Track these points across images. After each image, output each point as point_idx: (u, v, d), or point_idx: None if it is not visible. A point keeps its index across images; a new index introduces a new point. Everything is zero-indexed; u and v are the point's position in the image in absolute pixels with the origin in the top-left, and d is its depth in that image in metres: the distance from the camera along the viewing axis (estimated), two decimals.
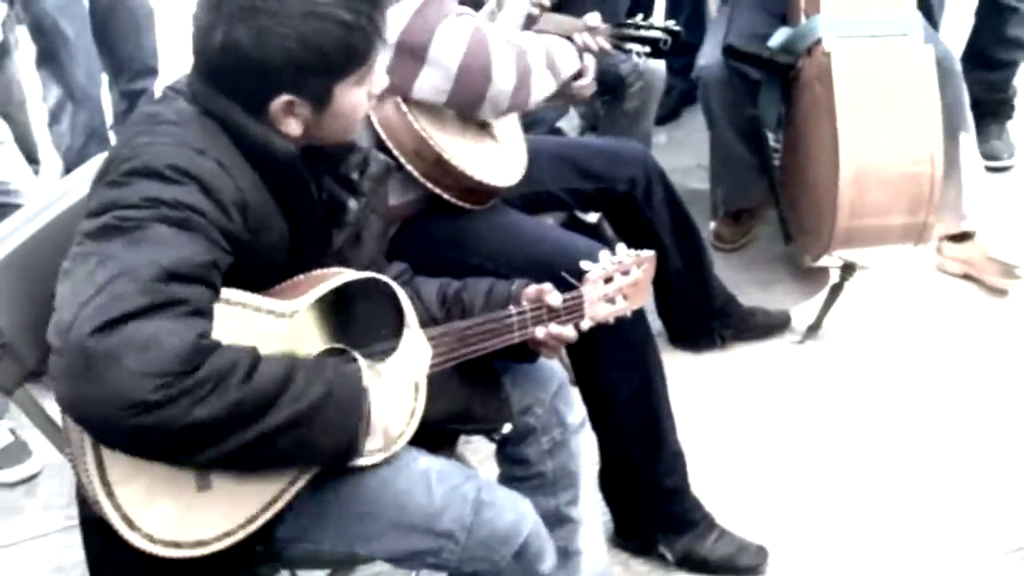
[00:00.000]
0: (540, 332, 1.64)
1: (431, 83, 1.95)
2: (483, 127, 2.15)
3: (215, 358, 1.24)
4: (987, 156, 3.39)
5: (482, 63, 1.96)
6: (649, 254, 1.77)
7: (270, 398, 1.28)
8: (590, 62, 2.35)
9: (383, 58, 1.47)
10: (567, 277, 1.68)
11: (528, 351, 1.69)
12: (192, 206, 1.30)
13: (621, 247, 1.76)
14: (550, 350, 1.70)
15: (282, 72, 1.37)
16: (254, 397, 1.27)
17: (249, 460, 1.33)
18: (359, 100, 1.45)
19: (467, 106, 2.01)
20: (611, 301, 1.71)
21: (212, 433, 1.25)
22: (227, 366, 1.25)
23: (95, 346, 1.18)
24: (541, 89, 2.11)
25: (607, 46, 2.42)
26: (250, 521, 1.40)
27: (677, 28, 2.50)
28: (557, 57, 2.16)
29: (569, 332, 1.66)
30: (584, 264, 1.70)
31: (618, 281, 1.72)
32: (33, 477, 2.52)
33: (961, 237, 3.07)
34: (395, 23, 1.90)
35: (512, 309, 1.62)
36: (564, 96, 2.33)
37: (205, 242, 1.30)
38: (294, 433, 1.31)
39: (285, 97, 1.39)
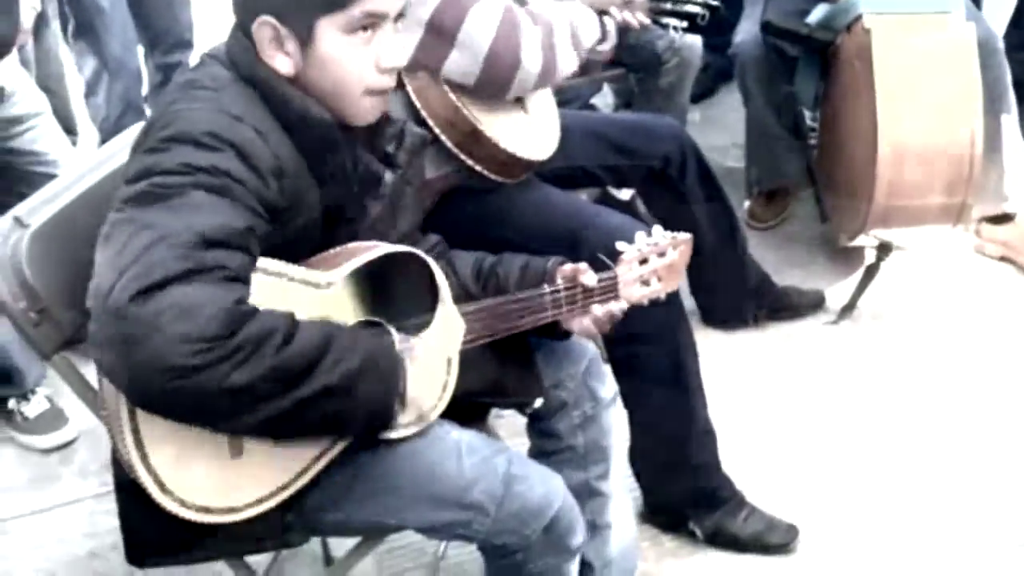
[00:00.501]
0: (597, 310, 1.63)
1: (459, 66, 1.94)
2: (517, 101, 2.14)
3: (252, 323, 1.24)
4: None
5: (511, 48, 1.94)
6: (686, 236, 1.75)
7: (307, 366, 1.28)
8: (611, 25, 2.32)
9: (389, 29, 1.44)
10: (602, 258, 1.67)
11: (560, 330, 1.68)
12: (229, 172, 1.30)
13: (657, 228, 1.73)
14: (596, 329, 1.68)
15: None
16: (290, 364, 1.26)
17: (283, 428, 1.33)
18: (348, 54, 1.41)
19: (495, 89, 2.00)
20: (645, 283, 1.70)
21: (248, 398, 1.25)
22: (264, 332, 1.24)
23: (134, 312, 1.18)
24: (566, 67, 2.10)
25: (645, 20, 2.39)
26: (282, 489, 1.40)
27: (715, 3, 2.47)
28: (580, 29, 2.14)
29: (617, 308, 1.65)
30: (620, 245, 1.69)
31: (653, 263, 1.70)
32: (69, 444, 2.56)
33: (1001, 219, 3.03)
34: (427, 1, 1.89)
35: (546, 288, 1.61)
36: (583, 64, 2.30)
37: (243, 208, 1.30)
38: (329, 402, 1.31)
39: (269, 19, 1.38)
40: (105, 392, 1.35)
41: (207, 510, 1.36)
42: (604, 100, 3.74)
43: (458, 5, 1.91)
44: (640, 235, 1.71)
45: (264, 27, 1.38)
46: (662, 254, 1.71)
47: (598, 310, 1.64)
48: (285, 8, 1.38)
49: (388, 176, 1.54)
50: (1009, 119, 2.92)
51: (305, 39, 1.39)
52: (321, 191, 1.45)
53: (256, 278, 1.33)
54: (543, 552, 1.55)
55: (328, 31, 1.39)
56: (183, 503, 1.34)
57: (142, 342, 1.18)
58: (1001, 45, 2.91)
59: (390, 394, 1.38)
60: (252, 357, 1.23)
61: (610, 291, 1.66)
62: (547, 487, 1.54)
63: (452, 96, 1.96)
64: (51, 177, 2.17)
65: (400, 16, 1.46)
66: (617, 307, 1.66)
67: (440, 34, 1.92)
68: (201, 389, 1.21)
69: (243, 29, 1.41)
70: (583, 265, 1.64)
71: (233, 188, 1.30)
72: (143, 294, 1.19)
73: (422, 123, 1.94)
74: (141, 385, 1.21)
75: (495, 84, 1.98)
